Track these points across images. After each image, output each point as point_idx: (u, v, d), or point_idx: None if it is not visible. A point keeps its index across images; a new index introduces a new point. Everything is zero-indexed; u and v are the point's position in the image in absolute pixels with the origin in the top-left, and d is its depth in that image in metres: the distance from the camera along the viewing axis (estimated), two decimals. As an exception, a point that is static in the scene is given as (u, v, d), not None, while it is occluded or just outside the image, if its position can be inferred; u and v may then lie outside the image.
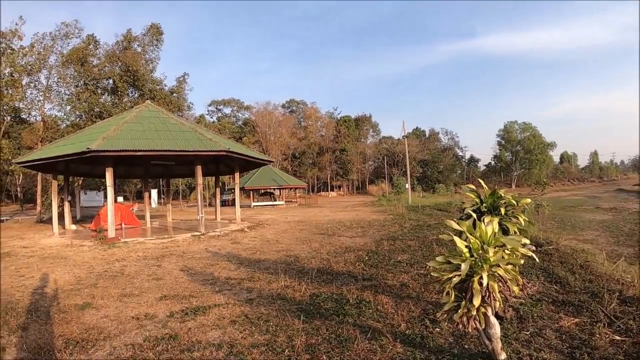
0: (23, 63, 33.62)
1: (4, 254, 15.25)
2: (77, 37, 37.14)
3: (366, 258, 11.05)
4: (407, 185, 49.61)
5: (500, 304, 4.26)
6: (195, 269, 10.49)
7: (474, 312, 4.04)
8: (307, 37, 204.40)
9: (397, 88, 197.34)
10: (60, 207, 21.89)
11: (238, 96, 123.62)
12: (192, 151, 17.78)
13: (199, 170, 19.48)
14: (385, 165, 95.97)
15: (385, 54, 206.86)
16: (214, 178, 33.44)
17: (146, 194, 28.07)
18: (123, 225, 19.09)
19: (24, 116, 39.43)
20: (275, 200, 53.18)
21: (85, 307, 7.46)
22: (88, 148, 15.95)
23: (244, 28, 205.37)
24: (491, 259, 4.02)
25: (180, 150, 17.53)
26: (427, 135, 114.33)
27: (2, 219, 35.64)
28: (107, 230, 17.74)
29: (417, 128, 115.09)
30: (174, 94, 43.04)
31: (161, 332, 5.91)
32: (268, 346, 5.18)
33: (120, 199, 52.58)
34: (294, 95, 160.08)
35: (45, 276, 10.64)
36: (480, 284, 3.98)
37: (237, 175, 24.90)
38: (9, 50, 33.13)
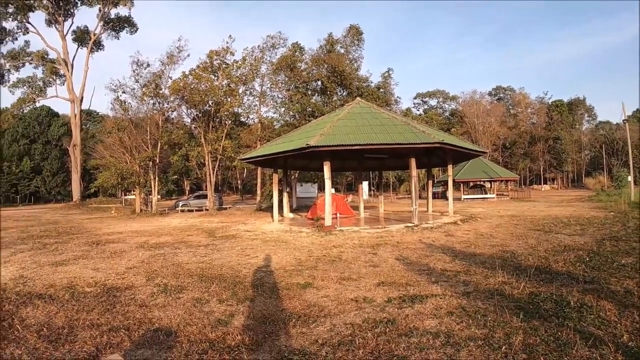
0: (238, 74, 37.69)
1: (230, 236, 16.72)
2: (282, 47, 40.13)
3: (587, 259, 9.73)
4: (630, 178, 43.40)
5: None
6: (411, 259, 10.15)
7: None
8: (507, 19, 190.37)
9: (613, 63, 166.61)
10: (279, 197, 23.59)
11: (442, 87, 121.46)
12: (406, 144, 17.36)
13: (412, 162, 19.09)
14: (604, 155, 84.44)
15: (597, 22, 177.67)
16: (423, 170, 33.30)
17: (360, 186, 28.59)
18: (338, 214, 19.64)
19: (242, 119, 44.30)
20: (485, 193, 50.67)
21: (307, 286, 7.72)
22: (307, 144, 16.65)
23: (440, 17, 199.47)
24: None
25: (394, 143, 17.29)
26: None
27: (225, 207, 40.12)
28: (324, 218, 18.34)
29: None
30: (381, 90, 43.81)
31: (379, 315, 5.86)
32: (485, 340, 4.86)
33: (332, 190, 55.20)
34: (499, 82, 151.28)
35: (267, 257, 11.24)
36: None
37: (449, 167, 24.10)
38: (224, 65, 37.46)
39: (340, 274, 8.62)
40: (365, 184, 55.54)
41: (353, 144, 17.05)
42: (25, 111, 75.31)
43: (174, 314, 6.26)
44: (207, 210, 35.86)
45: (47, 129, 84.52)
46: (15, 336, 5.59)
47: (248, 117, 43.54)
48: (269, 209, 30.65)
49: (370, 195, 55.56)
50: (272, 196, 24.54)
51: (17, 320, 6.27)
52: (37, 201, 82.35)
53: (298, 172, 39.45)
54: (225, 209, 39.28)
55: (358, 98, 25.14)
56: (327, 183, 18.67)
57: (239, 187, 75.64)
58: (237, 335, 5.28)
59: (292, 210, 28.63)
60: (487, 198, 47.19)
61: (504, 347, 4.63)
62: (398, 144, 17.26)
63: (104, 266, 10.61)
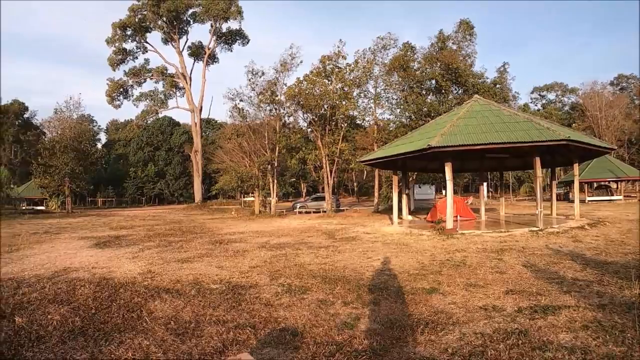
0: (352, 77, 38.09)
1: (350, 238, 16.92)
2: (394, 47, 39.74)
3: None
4: None
5: None
6: (538, 266, 9.68)
7: None
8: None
9: None
10: (398, 199, 23.59)
11: (559, 79, 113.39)
12: (530, 142, 16.51)
13: (537, 162, 18.06)
14: None
15: None
16: (544, 170, 31.69)
17: (481, 187, 27.85)
18: (459, 217, 19.31)
19: (358, 122, 44.67)
20: (611, 194, 46.06)
21: (432, 291, 7.59)
22: (429, 145, 16.46)
23: (550, 4, 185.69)
24: None
25: (518, 142, 16.54)
26: None
27: (342, 208, 40.73)
28: (444, 221, 17.95)
29: None
30: (497, 85, 42.27)
31: (510, 326, 5.62)
32: (624, 360, 4.49)
33: (443, 192, 54.16)
34: (621, 70, 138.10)
35: (389, 260, 11.25)
36: None
37: (576, 166, 22.47)
38: (337, 69, 38.11)
39: (466, 280, 8.46)
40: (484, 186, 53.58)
41: (475, 144, 16.65)
42: (148, 122, 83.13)
43: (300, 315, 6.37)
44: (325, 212, 36.53)
45: (169, 137, 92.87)
46: (143, 327, 5.95)
47: (364, 119, 43.82)
48: (386, 211, 30.69)
49: (488, 196, 53.58)
50: (389, 198, 24.67)
51: (146, 312, 6.68)
52: (161, 202, 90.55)
53: (416, 173, 39.12)
54: (342, 210, 39.84)
55: (476, 95, 24.29)
56: (449, 185, 18.29)
57: (355, 189, 76.33)
58: (363, 339, 5.28)
59: (410, 212, 28.42)
60: (613, 200, 43.31)
61: (644, 368, 4.32)
62: (521, 142, 16.49)
63: (227, 264, 11.15)
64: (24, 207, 54.32)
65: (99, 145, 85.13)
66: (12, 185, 55.61)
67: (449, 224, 17.48)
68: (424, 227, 19.11)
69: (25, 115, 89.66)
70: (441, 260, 10.86)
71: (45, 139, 59.80)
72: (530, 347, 4.86)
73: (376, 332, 5.57)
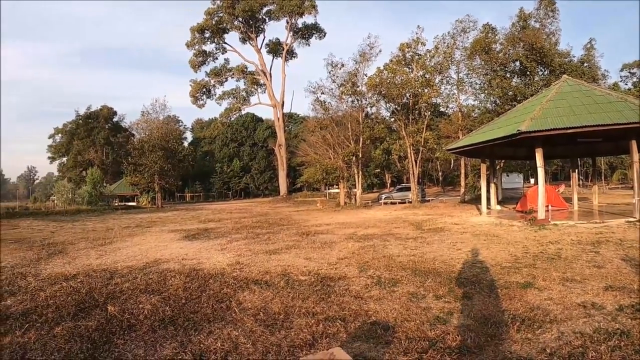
0: (432, 64, 37.14)
1: (437, 229, 16.78)
2: (473, 30, 38.34)
3: None
4: None
5: None
6: (638, 260, 9.18)
7: None
8: None
9: None
10: (487, 188, 22.99)
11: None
12: (626, 123, 15.40)
13: (633, 145, 16.76)
14: None
15: None
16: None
17: (573, 175, 26.67)
18: (549, 207, 18.62)
19: (442, 109, 43.71)
20: None
21: (527, 286, 7.34)
22: (518, 130, 15.98)
23: None
24: None
25: (614, 124, 15.49)
26: None
27: (427, 199, 40.21)
28: (536, 211, 17.48)
29: None
30: (585, 64, 39.96)
31: (611, 325, 5.30)
32: None
33: (531, 180, 52.10)
34: None
35: (480, 251, 11.08)
36: None
37: None
38: (417, 57, 37.31)
39: (561, 274, 8.13)
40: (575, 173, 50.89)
41: (568, 127, 15.86)
42: (232, 119, 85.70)
43: (390, 308, 6.31)
44: (410, 202, 36.28)
45: (252, 133, 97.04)
46: (232, 318, 6.09)
47: (447, 106, 42.93)
48: (473, 201, 30.03)
49: (578, 185, 50.80)
50: (476, 188, 24.05)
51: (235, 303, 6.84)
52: (247, 196, 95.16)
53: (503, 162, 37.87)
54: (428, 201, 39.37)
55: (564, 75, 22.97)
56: (540, 172, 17.66)
57: (440, 178, 75.09)
58: (457, 335, 5.16)
59: (498, 202, 27.66)
60: None
61: None
62: (618, 124, 15.49)
63: (315, 256, 11.28)
64: (116, 203, 58.93)
65: (186, 144, 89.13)
66: (104, 184, 59.31)
67: (541, 214, 16.93)
68: (513, 218, 18.68)
69: (114, 119, 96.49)
70: (534, 253, 10.56)
71: (135, 139, 63.34)
72: (633, 350, 4.58)
73: (470, 328, 5.44)
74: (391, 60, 38.07)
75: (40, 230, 22.95)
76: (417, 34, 37.36)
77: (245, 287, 7.93)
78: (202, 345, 5.14)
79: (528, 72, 36.89)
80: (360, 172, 40.81)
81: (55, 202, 55.77)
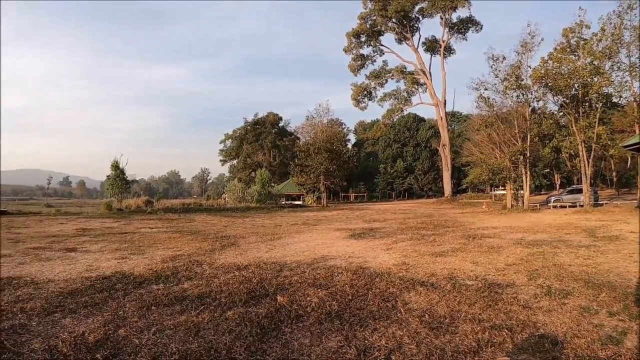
0: (600, 49, 33.10)
1: (613, 237, 15.53)
2: (641, 5, 33.79)
3: None
4: None
5: None
6: None
7: None
8: None
9: None
10: None
11: None
12: None
13: None
14: None
15: None
16: None
17: None
18: None
19: (614, 100, 39.34)
20: None
21: None
22: None
23: None
24: None
25: None
26: None
27: (600, 202, 36.79)
28: None
29: None
30: None
31: None
32: None
33: None
34: None
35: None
36: None
37: None
38: (582, 42, 33.67)
39: None
40: None
41: None
42: (394, 120, 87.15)
43: (560, 321, 6.00)
44: (582, 206, 33.78)
45: (415, 133, 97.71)
46: (397, 317, 6.19)
47: (620, 96, 37.53)
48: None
49: None
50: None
51: (400, 303, 6.95)
52: (411, 197, 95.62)
53: None
54: (601, 204, 35.99)
55: None
56: None
57: (614, 179, 68.82)
58: (629, 358, 4.75)
59: None
60: None
61: None
62: None
63: (482, 260, 11.18)
64: (283, 202, 62.10)
65: (349, 146, 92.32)
66: (272, 184, 62.61)
67: None
68: None
69: (280, 124, 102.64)
70: None
71: (300, 142, 66.69)
72: None
73: (646, 352, 4.94)
74: (555, 49, 35.44)
75: (213, 224, 25.52)
76: (579, 16, 34.10)
77: (411, 287, 8.05)
78: (366, 341, 5.30)
79: None
80: (528, 173, 38.76)
81: (227, 199, 60.42)
